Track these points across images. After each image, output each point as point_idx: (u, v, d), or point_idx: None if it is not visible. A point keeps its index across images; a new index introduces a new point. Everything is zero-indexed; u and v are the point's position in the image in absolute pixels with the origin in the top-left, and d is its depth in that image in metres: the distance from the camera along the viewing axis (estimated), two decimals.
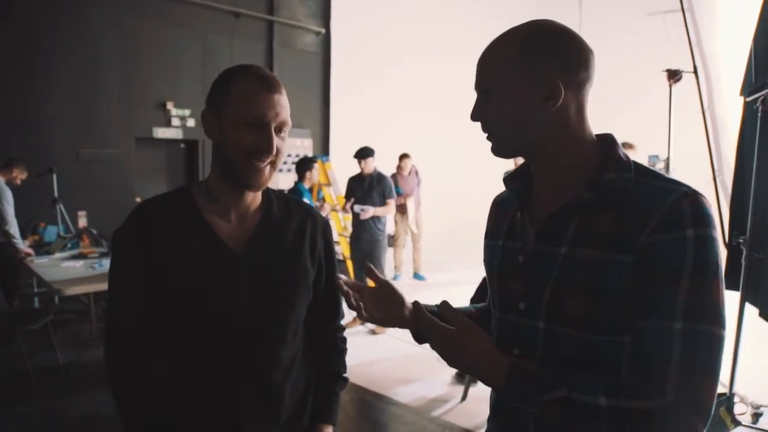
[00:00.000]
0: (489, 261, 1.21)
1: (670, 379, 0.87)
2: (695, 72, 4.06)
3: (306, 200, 5.62)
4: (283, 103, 1.22)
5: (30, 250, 5.17)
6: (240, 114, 1.18)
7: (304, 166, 5.57)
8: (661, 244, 0.90)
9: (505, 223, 1.17)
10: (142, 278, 1.22)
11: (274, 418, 1.31)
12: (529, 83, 0.99)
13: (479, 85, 1.06)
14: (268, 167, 1.22)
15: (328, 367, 1.49)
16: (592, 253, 0.96)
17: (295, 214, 1.38)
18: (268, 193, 1.36)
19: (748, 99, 3.73)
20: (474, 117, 1.08)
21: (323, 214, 5.34)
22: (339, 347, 1.51)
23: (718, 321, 0.89)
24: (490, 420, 1.21)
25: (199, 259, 1.23)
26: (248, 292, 1.25)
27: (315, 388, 1.44)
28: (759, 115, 3.40)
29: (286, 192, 7.50)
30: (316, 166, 5.69)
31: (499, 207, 1.25)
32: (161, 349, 1.26)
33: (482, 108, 1.05)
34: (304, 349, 1.42)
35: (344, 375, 1.51)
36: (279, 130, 1.22)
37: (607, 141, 1.05)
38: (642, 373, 0.90)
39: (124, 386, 1.26)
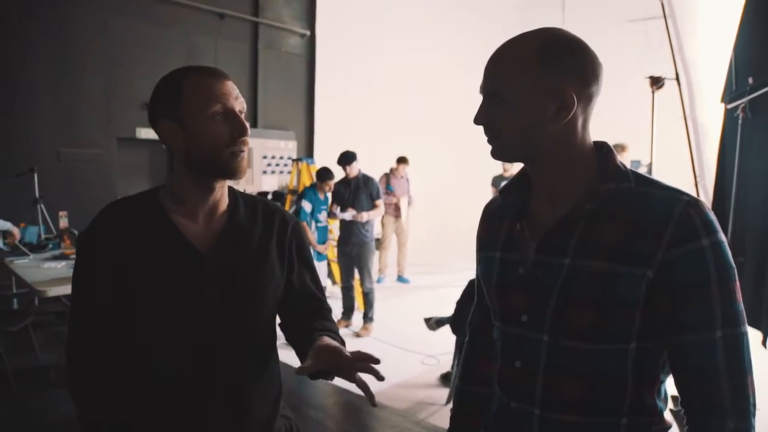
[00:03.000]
0: (486, 273, 1.18)
1: (723, 391, 0.92)
2: (677, 79, 4.12)
3: (307, 203, 5.64)
4: (236, 88, 1.22)
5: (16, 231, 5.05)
6: (204, 109, 1.16)
7: (325, 175, 5.72)
8: (681, 257, 0.92)
9: (502, 234, 1.14)
10: (107, 280, 1.20)
11: (243, 424, 1.28)
12: (544, 93, 0.97)
13: (489, 89, 1.02)
14: (245, 153, 1.22)
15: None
16: (600, 265, 0.96)
17: (262, 214, 1.36)
18: (235, 195, 1.35)
19: (728, 106, 3.79)
20: (478, 120, 1.04)
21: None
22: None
23: (744, 319, 0.94)
24: (489, 429, 1.20)
25: (165, 259, 1.22)
26: (215, 292, 1.23)
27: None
28: (739, 122, 3.46)
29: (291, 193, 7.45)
30: (331, 183, 5.77)
31: (491, 216, 1.22)
32: (125, 353, 1.24)
33: (489, 112, 1.02)
34: (275, 355, 1.39)
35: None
36: (241, 113, 1.22)
37: (603, 149, 1.05)
38: (697, 390, 0.95)
39: (86, 392, 1.24)
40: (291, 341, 1.39)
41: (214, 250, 1.26)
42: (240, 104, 1.21)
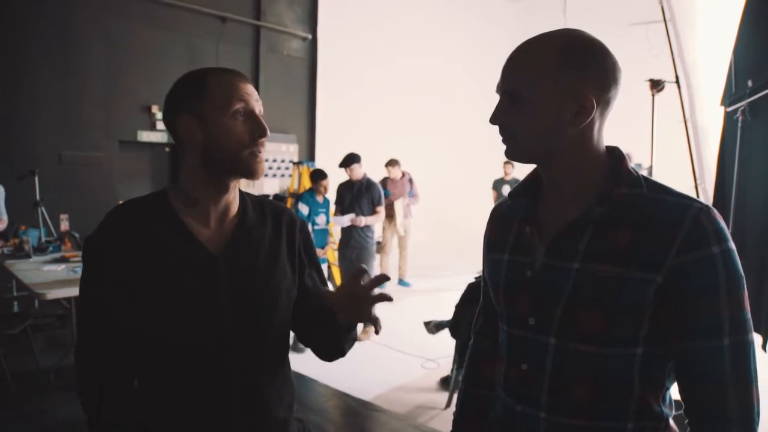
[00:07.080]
0: (493, 275, 1.17)
1: (728, 398, 0.92)
2: (677, 82, 4.12)
3: (303, 206, 5.65)
4: (256, 92, 1.24)
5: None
6: (228, 106, 1.17)
7: (318, 176, 5.77)
8: (691, 264, 0.91)
9: (511, 236, 1.14)
10: (116, 285, 1.18)
11: (260, 426, 1.28)
12: (563, 96, 0.96)
13: (506, 89, 1.01)
14: (263, 154, 1.23)
15: None
16: (610, 270, 0.96)
17: (270, 215, 1.36)
18: (243, 196, 1.34)
19: (728, 109, 3.79)
20: (494, 120, 1.03)
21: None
22: None
23: (751, 327, 0.93)
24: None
25: (178, 262, 1.20)
26: (229, 295, 1.22)
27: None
28: (739, 124, 3.46)
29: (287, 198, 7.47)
30: (325, 183, 5.82)
31: (500, 218, 1.21)
32: (137, 359, 1.23)
33: (505, 112, 1.01)
34: (288, 358, 1.39)
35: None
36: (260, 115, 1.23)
37: (614, 153, 1.05)
38: (702, 397, 0.94)
39: (96, 399, 1.23)
40: (306, 340, 1.40)
41: (227, 252, 1.25)
42: (259, 107, 1.22)
